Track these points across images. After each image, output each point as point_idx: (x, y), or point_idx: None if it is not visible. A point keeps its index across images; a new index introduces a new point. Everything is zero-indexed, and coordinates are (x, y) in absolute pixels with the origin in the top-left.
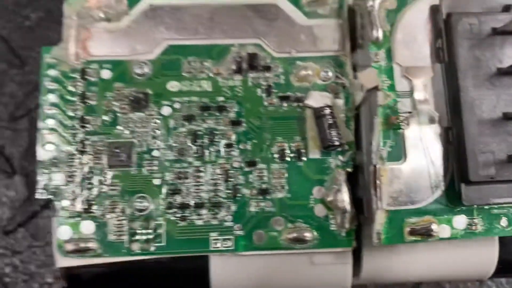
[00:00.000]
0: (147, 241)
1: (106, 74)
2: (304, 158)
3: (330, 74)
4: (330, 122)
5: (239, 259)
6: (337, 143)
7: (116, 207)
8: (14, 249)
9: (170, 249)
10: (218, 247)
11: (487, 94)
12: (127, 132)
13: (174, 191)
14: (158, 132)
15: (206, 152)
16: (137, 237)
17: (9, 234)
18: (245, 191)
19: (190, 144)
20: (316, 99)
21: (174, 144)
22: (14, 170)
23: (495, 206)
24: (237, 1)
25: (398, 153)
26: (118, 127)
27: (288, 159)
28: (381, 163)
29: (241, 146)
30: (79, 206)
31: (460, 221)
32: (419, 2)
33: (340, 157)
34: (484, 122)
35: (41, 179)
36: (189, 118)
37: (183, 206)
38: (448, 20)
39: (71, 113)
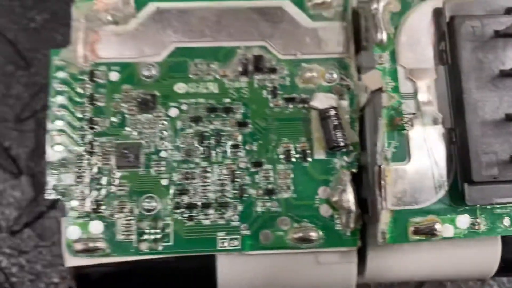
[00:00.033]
0: (155, 240)
1: (114, 76)
2: (310, 159)
3: (335, 76)
4: (335, 123)
5: (245, 259)
6: (342, 144)
7: (124, 207)
8: (21, 249)
9: (178, 249)
10: (225, 247)
11: (490, 96)
12: (135, 133)
13: (182, 191)
14: (165, 133)
15: (213, 153)
16: (145, 236)
17: (15, 234)
18: (252, 191)
19: (197, 145)
20: (321, 101)
21: (181, 145)
22: (20, 171)
23: (498, 206)
24: (243, 4)
25: (402, 153)
26: (126, 128)
27: (293, 159)
28: (385, 163)
29: (247, 147)
30: (87, 206)
31: (463, 220)
32: (423, 5)
33: (345, 158)
34: (487, 123)
35: (50, 180)
36: (196, 120)
37: (191, 206)
38: (451, 23)
39: (79, 115)
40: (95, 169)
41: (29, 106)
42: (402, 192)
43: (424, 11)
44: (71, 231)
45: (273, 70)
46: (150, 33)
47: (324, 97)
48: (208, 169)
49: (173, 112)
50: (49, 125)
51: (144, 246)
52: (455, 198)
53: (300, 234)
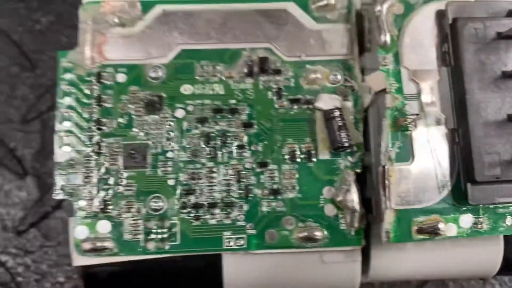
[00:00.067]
0: (162, 240)
1: (121, 77)
2: (314, 159)
3: (339, 77)
4: (339, 124)
5: (251, 258)
6: (346, 144)
7: (131, 207)
8: (26, 249)
9: (185, 248)
10: (231, 246)
11: (492, 97)
12: (142, 134)
13: (188, 191)
14: (172, 134)
15: (219, 154)
16: (152, 236)
17: (21, 234)
18: (257, 191)
19: (203, 146)
20: (326, 102)
21: (187, 146)
22: (26, 172)
23: (500, 206)
24: (248, 6)
25: (406, 154)
26: (133, 129)
27: (298, 160)
28: (389, 163)
29: (252, 148)
30: (95, 206)
31: (466, 220)
32: (426, 7)
33: (349, 158)
34: (489, 124)
35: (59, 180)
36: (202, 120)
37: (197, 206)
38: (454, 25)
39: (87, 116)
40: (102, 170)
41: (34, 107)
42: (406, 192)
43: (427, 13)
44: (79, 231)
45: (278, 72)
46: (157, 35)
47: (329, 98)
48: (214, 169)
49: (180, 113)
50: (57, 126)
51: (151, 246)
52: (458, 197)
53: (305, 234)
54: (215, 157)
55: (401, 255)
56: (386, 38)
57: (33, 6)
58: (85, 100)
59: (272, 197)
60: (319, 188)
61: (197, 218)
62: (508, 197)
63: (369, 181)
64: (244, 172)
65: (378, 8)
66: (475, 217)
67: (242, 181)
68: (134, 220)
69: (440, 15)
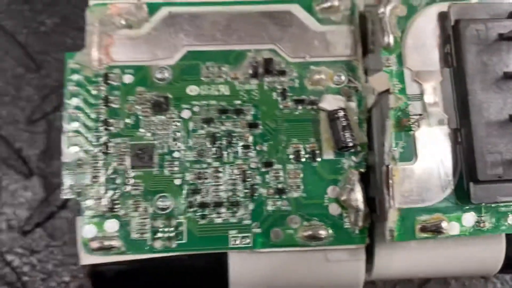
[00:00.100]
0: (169, 238)
1: (128, 78)
2: (319, 159)
3: (343, 78)
4: (343, 124)
5: (256, 256)
6: (351, 144)
7: (139, 206)
8: (32, 249)
9: (191, 246)
10: (237, 244)
11: (494, 97)
12: (149, 134)
13: (194, 191)
14: (178, 134)
15: (225, 153)
16: (159, 235)
17: (27, 234)
18: (262, 190)
19: (209, 146)
20: (330, 102)
21: (193, 146)
22: (32, 172)
23: (502, 204)
24: (253, 8)
25: (410, 153)
26: (140, 129)
27: (303, 160)
28: (393, 163)
29: (258, 148)
30: (103, 206)
31: (469, 218)
32: (428, 9)
33: (353, 158)
34: (491, 124)
35: (67, 180)
36: (208, 121)
37: (203, 205)
38: (456, 27)
39: (94, 116)
40: (110, 169)
41: (39, 108)
42: (409, 191)
43: (430, 15)
44: (87, 230)
45: (282, 73)
46: (163, 37)
47: (333, 99)
48: (220, 169)
49: (186, 113)
50: (65, 127)
51: (158, 244)
52: (461, 196)
53: (310, 232)
54: (221, 157)
55: (405, 253)
56: (390, 39)
57: (38, 8)
58: (92, 101)
59: (277, 196)
60: (324, 188)
61: (203, 217)
62: (510, 196)
63: (373, 180)
64: (249, 172)
65: (381, 10)
66: (477, 216)
67: (248, 181)
68: (141, 219)
69: (443, 17)
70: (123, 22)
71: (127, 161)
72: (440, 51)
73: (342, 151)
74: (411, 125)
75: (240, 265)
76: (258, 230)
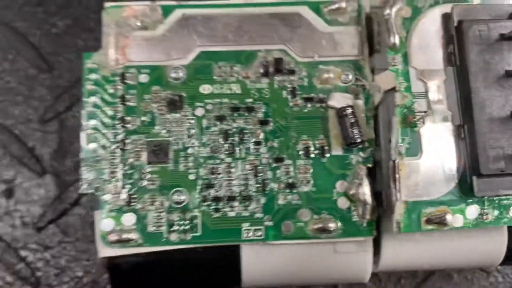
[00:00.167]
0: (184, 231)
1: (144, 78)
2: (328, 155)
3: (350, 76)
4: (352, 121)
5: (268, 248)
6: (359, 140)
7: (155, 200)
8: (46, 245)
9: (205, 239)
10: (249, 237)
11: (497, 95)
12: (164, 131)
13: (208, 185)
14: (192, 131)
15: (237, 150)
16: (175, 227)
17: (40, 230)
18: (273, 185)
19: (222, 142)
20: (338, 100)
21: (207, 142)
22: (45, 170)
23: (504, 197)
24: (263, 10)
25: (415, 149)
26: (156, 127)
27: (312, 155)
28: (399, 158)
29: (269, 144)
30: (121, 200)
31: (472, 211)
32: (432, 10)
33: (361, 154)
34: (494, 120)
35: (85, 175)
36: (221, 118)
37: (217, 199)
38: (459, 27)
39: (112, 114)
40: (127, 165)
41: (52, 108)
42: (415, 184)
43: (434, 16)
44: (105, 223)
45: (292, 72)
46: (177, 38)
47: (341, 97)
48: (233, 165)
49: (199, 111)
50: (84, 124)
51: (174, 237)
52: (465, 190)
53: (320, 225)
54: (233, 153)
55: (410, 245)
56: (395, 39)
57: (51, 10)
58: (109, 99)
59: (288, 190)
60: (333, 182)
61: (217, 210)
62: None
63: (379, 175)
64: (261, 167)
65: (387, 11)
66: (480, 209)
67: (259, 176)
68: (157, 212)
69: (446, 18)
70: (138, 23)
71: (144, 157)
72: (444, 51)
73: (350, 147)
74: (417, 122)
75: (252, 257)
76: (270, 223)
